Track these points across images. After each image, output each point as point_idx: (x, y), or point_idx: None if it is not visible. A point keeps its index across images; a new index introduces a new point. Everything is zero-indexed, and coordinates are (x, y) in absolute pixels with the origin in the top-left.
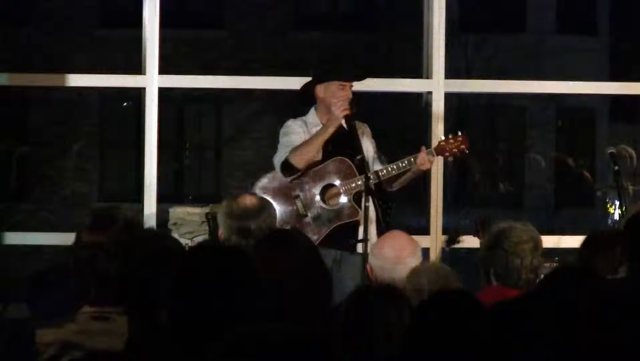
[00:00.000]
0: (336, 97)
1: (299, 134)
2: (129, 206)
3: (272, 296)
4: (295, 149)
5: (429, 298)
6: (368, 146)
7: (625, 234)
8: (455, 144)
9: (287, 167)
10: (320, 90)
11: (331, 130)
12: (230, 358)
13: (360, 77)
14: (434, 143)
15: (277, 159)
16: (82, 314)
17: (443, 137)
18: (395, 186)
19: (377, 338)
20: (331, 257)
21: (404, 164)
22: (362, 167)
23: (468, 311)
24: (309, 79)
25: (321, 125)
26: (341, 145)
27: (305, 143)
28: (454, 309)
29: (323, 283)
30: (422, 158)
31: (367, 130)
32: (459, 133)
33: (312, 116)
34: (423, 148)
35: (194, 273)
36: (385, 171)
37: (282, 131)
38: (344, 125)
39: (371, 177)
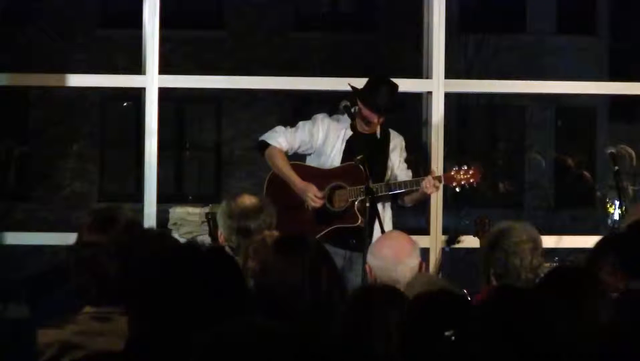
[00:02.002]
0: (364, 113)
1: (305, 135)
2: (129, 206)
3: (285, 299)
4: (275, 155)
5: (416, 298)
6: (395, 158)
7: (623, 245)
8: (465, 176)
9: (260, 149)
10: (357, 98)
11: (294, 186)
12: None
13: (389, 111)
14: (435, 144)
15: (270, 135)
16: (83, 314)
17: (456, 167)
18: (408, 202)
19: (377, 338)
20: (341, 256)
21: (411, 185)
22: (364, 167)
23: (457, 311)
24: (307, 78)
25: (351, 128)
26: (365, 150)
27: (282, 165)
28: (442, 310)
29: (336, 287)
30: (428, 182)
31: (400, 142)
32: (472, 166)
33: (346, 117)
34: (433, 171)
35: (189, 274)
36: (392, 185)
37: (309, 120)
38: (377, 131)
39: (374, 185)
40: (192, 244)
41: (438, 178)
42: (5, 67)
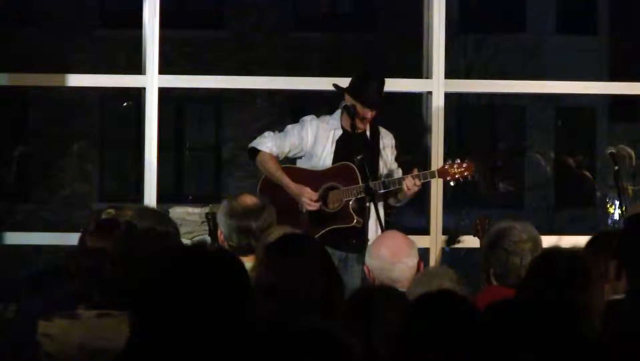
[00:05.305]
0: (357, 111)
1: (295, 139)
2: (130, 205)
3: (283, 299)
4: (267, 161)
5: (417, 299)
6: (387, 155)
7: (622, 244)
8: (460, 169)
9: (250, 156)
10: (347, 96)
11: (288, 190)
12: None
13: (377, 107)
14: (435, 144)
15: (259, 141)
16: (83, 313)
17: (450, 161)
18: (402, 200)
19: (377, 338)
20: (337, 258)
21: (395, 184)
22: (362, 168)
23: (457, 311)
24: (307, 78)
25: (341, 128)
26: (357, 148)
27: (274, 170)
28: (443, 309)
29: (335, 287)
30: (408, 182)
31: (390, 139)
32: (466, 160)
33: (335, 118)
34: (415, 171)
35: (190, 274)
36: (387, 183)
37: (297, 123)
38: (367, 129)
39: (372, 183)
40: (194, 245)
41: (417, 176)
42: (5, 67)
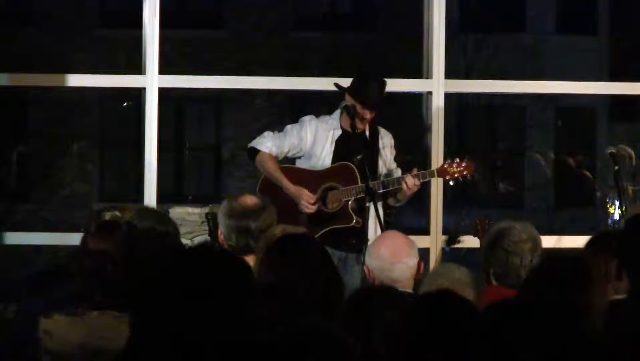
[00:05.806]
0: (357, 111)
1: (294, 139)
2: (130, 205)
3: (283, 300)
4: (266, 161)
5: (417, 299)
6: (387, 155)
7: (623, 244)
8: (459, 169)
9: (250, 156)
10: (347, 96)
11: (287, 191)
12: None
13: (377, 107)
14: (435, 144)
15: (258, 141)
16: (84, 312)
17: (449, 160)
18: (401, 200)
19: (377, 338)
20: (336, 258)
21: (399, 183)
22: (362, 168)
23: (457, 311)
24: (307, 78)
25: (340, 128)
26: (357, 148)
27: (273, 170)
28: (443, 309)
29: (335, 287)
30: (408, 182)
31: (390, 139)
32: (465, 159)
33: (334, 118)
34: (415, 170)
35: (191, 274)
36: (387, 183)
37: (297, 123)
38: (366, 129)
39: (372, 183)
40: (197, 245)
41: (417, 176)
42: (5, 67)
